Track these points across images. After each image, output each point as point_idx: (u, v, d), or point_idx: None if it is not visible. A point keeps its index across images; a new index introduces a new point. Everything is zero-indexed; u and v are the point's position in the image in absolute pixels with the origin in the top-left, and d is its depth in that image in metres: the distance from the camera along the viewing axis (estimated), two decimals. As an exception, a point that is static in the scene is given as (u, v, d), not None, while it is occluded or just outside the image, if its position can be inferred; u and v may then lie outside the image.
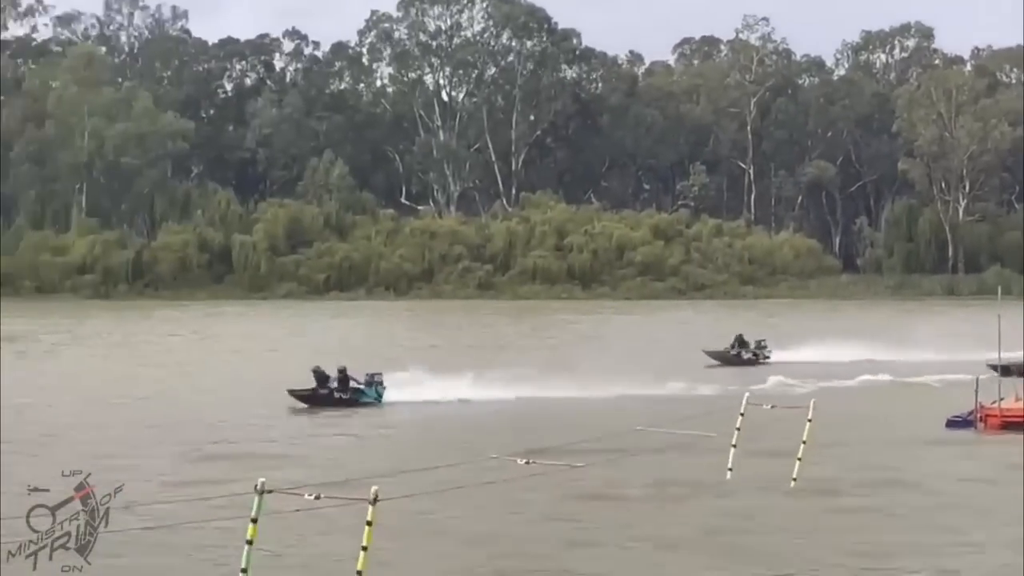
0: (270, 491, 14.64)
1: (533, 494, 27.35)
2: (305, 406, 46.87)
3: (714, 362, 63.90)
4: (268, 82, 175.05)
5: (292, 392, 47.07)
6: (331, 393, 47.35)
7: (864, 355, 63.22)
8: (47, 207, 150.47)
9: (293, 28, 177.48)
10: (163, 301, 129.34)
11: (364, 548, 14.33)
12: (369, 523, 14.05)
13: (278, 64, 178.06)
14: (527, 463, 20.33)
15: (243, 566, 14.77)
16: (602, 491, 29.46)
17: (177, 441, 38.92)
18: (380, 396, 48.26)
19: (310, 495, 14.88)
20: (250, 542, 14.67)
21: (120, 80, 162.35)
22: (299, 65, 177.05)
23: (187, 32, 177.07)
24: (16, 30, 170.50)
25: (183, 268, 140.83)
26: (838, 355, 63.00)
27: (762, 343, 65.83)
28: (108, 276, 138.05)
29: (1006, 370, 54.87)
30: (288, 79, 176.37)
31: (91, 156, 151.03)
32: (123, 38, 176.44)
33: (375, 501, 13.90)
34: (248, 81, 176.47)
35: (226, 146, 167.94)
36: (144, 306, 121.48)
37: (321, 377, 47.63)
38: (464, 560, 23.25)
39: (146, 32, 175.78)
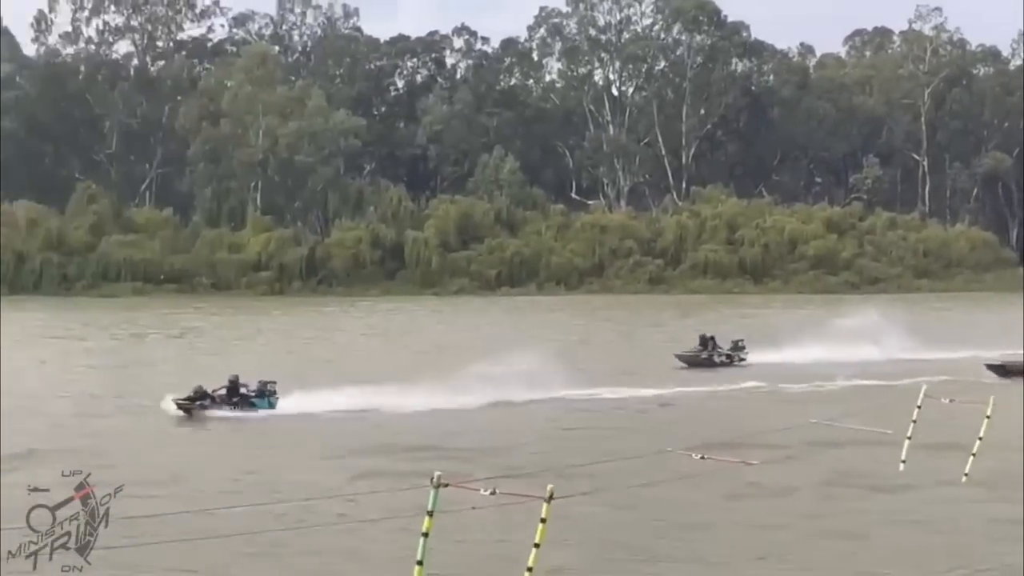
0: (446, 485, 14.72)
1: (702, 491, 27.15)
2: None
3: (683, 365, 59.24)
4: (439, 79, 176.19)
5: (175, 401, 44.43)
6: (214, 402, 44.56)
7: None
8: (223, 205, 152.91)
9: (463, 25, 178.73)
10: (336, 297, 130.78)
11: (536, 545, 14.36)
12: (543, 520, 14.08)
13: (449, 61, 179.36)
14: (701, 458, 20.17)
15: (419, 558, 14.89)
16: (778, 484, 29.17)
17: (350, 433, 39.32)
18: (273, 405, 45.18)
19: (486, 490, 14.93)
20: (426, 534, 14.78)
21: (293, 79, 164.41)
22: (469, 61, 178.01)
23: (359, 30, 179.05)
24: (192, 31, 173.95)
25: (356, 264, 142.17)
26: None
27: (739, 343, 61.23)
28: (283, 273, 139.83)
29: (1003, 370, 53.59)
30: (459, 75, 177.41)
31: (265, 154, 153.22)
32: (296, 37, 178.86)
33: (550, 499, 13.93)
34: (419, 78, 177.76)
35: (398, 143, 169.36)
36: (318, 302, 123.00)
37: (232, 387, 45.12)
38: (639, 562, 23.17)
39: (319, 31, 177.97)
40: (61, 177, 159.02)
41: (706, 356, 59.43)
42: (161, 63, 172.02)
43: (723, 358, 59.64)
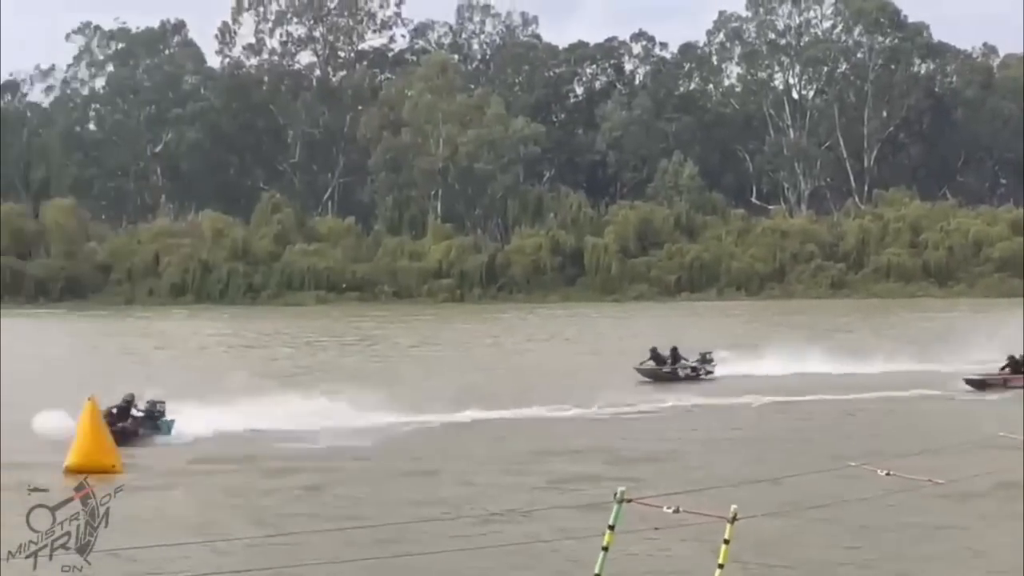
0: (629, 500, 14.74)
1: (900, 512, 26.56)
2: None
3: (646, 380, 55.99)
4: (617, 85, 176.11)
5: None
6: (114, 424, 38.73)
7: None
8: (404, 213, 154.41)
9: (641, 31, 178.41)
10: (516, 304, 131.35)
11: (720, 566, 14.33)
12: (727, 541, 14.03)
13: (627, 67, 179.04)
14: (887, 474, 19.85)
15: (597, 571, 14.93)
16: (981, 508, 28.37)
17: (529, 439, 39.47)
18: (169, 429, 40.57)
19: (669, 508, 14.91)
20: (606, 548, 14.82)
21: (472, 87, 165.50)
22: (648, 67, 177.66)
23: (537, 37, 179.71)
24: (373, 41, 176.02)
25: (536, 271, 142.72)
26: None
27: (707, 356, 57.68)
28: (463, 280, 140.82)
29: (981, 384, 51.57)
30: (637, 81, 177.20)
31: (445, 162, 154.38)
32: (475, 46, 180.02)
33: (734, 520, 13.88)
34: (598, 84, 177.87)
35: (577, 149, 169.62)
36: (498, 309, 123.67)
37: (124, 408, 40.25)
38: None
39: (497, 39, 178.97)
40: (245, 187, 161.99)
41: (669, 370, 56.15)
42: (343, 73, 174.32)
43: (688, 371, 56.44)
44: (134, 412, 40.29)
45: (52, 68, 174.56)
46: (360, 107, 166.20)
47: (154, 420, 40.44)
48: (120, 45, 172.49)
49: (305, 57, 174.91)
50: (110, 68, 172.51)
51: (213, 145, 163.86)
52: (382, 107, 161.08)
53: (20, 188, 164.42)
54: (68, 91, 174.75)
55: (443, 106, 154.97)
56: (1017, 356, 52.20)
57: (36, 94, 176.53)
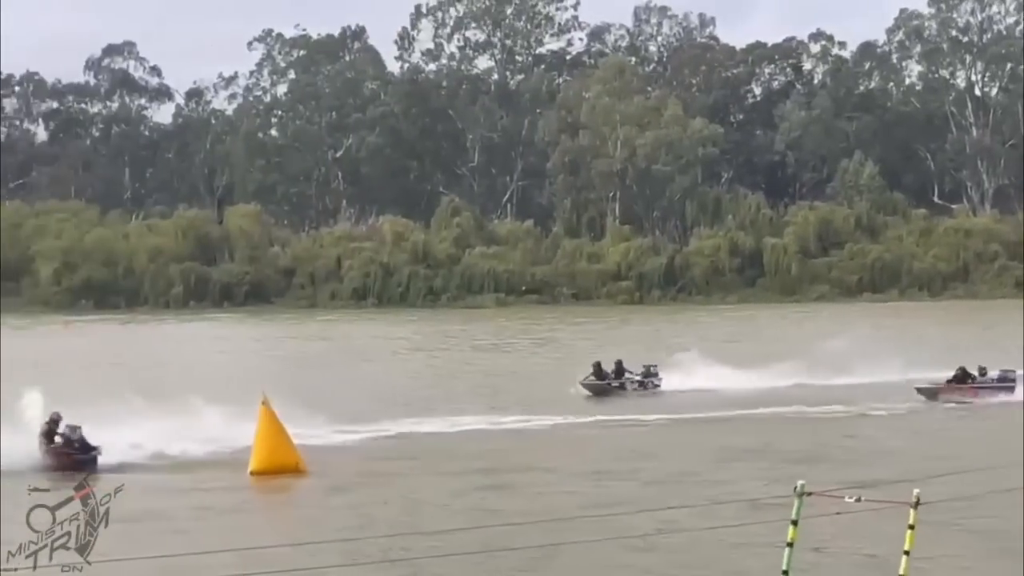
0: (809, 493, 14.72)
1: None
2: None
3: (588, 393, 53.39)
4: (796, 84, 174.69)
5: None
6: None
7: None
8: (582, 215, 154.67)
9: (819, 30, 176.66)
10: (695, 306, 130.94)
11: (906, 552, 14.28)
12: (911, 527, 13.98)
13: (806, 66, 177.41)
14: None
15: (784, 567, 14.92)
16: None
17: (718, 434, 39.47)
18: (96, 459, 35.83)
19: (850, 498, 14.88)
20: (790, 544, 14.80)
21: (650, 89, 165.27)
22: (826, 66, 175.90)
23: (715, 39, 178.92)
24: (551, 45, 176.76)
25: (715, 272, 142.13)
26: None
27: (651, 368, 55.01)
28: (642, 282, 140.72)
29: (932, 394, 49.31)
30: (816, 81, 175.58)
31: (623, 164, 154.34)
32: (652, 48, 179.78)
33: (916, 505, 13.82)
34: (776, 84, 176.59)
35: (755, 150, 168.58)
36: (677, 310, 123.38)
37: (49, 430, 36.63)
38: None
39: (674, 40, 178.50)
40: (425, 191, 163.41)
41: (618, 384, 53.81)
42: (521, 77, 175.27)
43: (635, 385, 54.18)
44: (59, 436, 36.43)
45: (235, 76, 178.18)
46: (538, 110, 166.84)
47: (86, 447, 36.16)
48: (301, 52, 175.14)
49: (483, 62, 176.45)
50: (292, 75, 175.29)
51: (393, 150, 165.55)
52: (560, 110, 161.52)
53: (204, 194, 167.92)
54: (251, 98, 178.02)
55: (621, 108, 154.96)
56: (968, 368, 50.60)
57: (220, 101, 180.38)
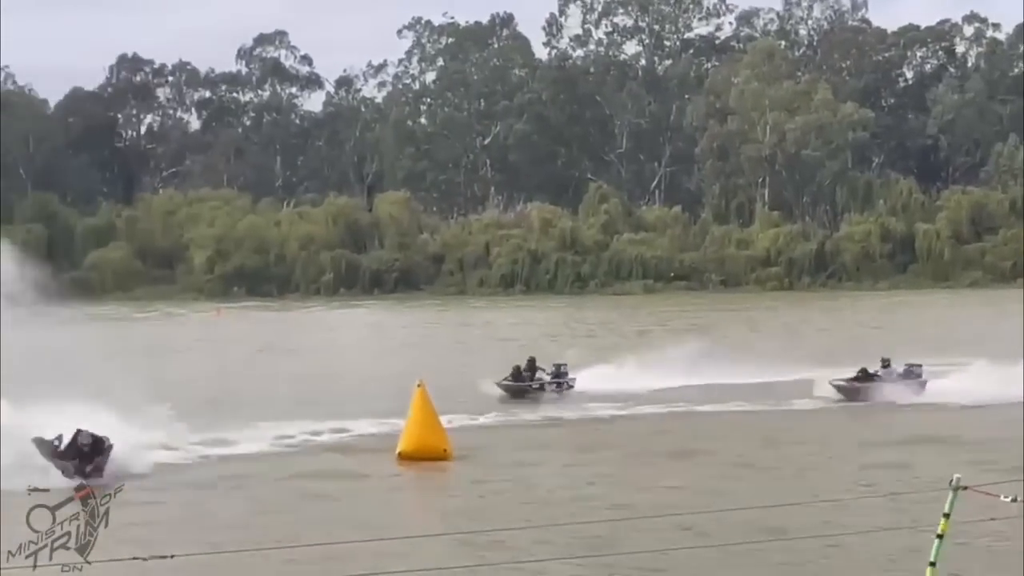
0: (964, 487, 14.50)
1: None
2: None
3: (504, 393, 48.22)
4: (949, 67, 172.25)
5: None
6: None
7: None
8: (731, 201, 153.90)
9: (973, 12, 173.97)
10: (845, 292, 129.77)
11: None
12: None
13: (959, 49, 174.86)
14: None
15: (932, 559, 14.74)
16: None
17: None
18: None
19: (1006, 497, 14.62)
20: (940, 536, 14.62)
21: (799, 73, 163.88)
22: (981, 49, 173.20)
23: (866, 22, 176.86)
24: (700, 29, 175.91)
25: (866, 258, 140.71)
26: None
27: (561, 367, 49.96)
28: (791, 268, 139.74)
29: (846, 391, 45.91)
30: (970, 64, 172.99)
31: (772, 150, 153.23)
32: (802, 31, 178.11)
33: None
34: (928, 67, 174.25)
35: (907, 134, 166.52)
36: (827, 297, 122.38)
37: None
38: None
39: (825, 24, 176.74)
40: (573, 178, 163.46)
41: (538, 385, 48.71)
42: (668, 62, 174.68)
43: (552, 386, 49.33)
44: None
45: (384, 64, 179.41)
46: (686, 96, 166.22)
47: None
48: (450, 40, 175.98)
49: (631, 47, 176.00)
50: (440, 62, 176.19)
51: (541, 136, 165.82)
52: (708, 95, 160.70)
53: (354, 182, 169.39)
54: (400, 86, 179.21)
55: (770, 93, 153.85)
56: (870, 369, 48.03)
57: (369, 89, 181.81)
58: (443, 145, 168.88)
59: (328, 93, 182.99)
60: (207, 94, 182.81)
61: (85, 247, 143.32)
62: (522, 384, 48.38)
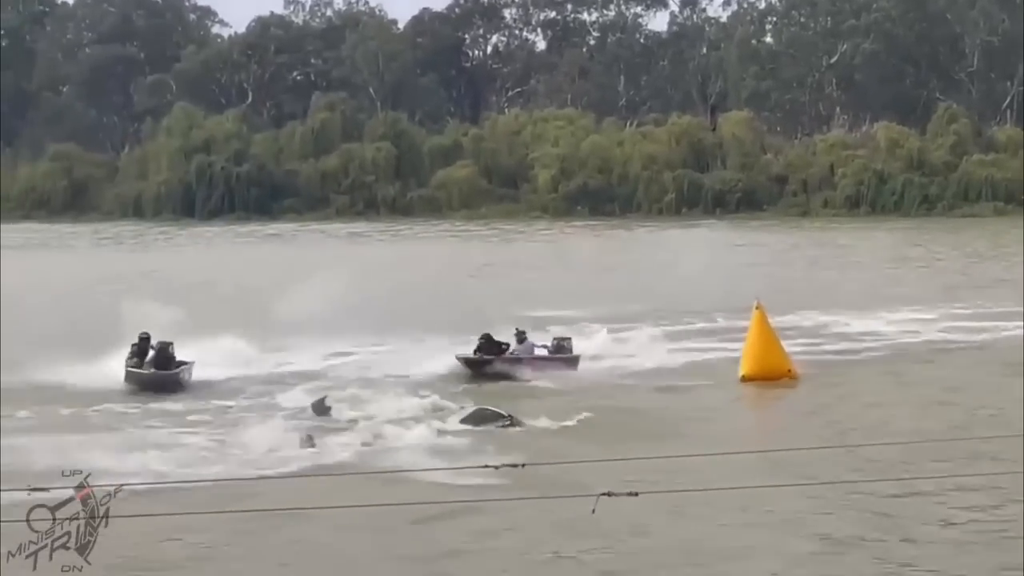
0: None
1: None
2: None
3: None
4: None
5: None
6: None
7: None
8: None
9: None
10: None
11: None
12: None
13: None
14: None
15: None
16: None
17: None
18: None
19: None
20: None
21: None
22: None
23: None
24: None
25: None
26: None
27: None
28: None
29: (472, 364, 37.86)
30: None
31: None
32: None
33: None
34: None
35: None
36: None
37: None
38: None
39: None
40: (920, 97, 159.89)
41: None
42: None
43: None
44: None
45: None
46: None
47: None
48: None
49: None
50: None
51: (888, 56, 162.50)
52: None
53: (698, 101, 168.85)
54: (745, 5, 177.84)
55: None
56: (495, 336, 40.52)
57: (714, 9, 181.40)
58: (788, 64, 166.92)
59: (672, 13, 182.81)
60: (552, 14, 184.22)
61: (432, 165, 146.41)
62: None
